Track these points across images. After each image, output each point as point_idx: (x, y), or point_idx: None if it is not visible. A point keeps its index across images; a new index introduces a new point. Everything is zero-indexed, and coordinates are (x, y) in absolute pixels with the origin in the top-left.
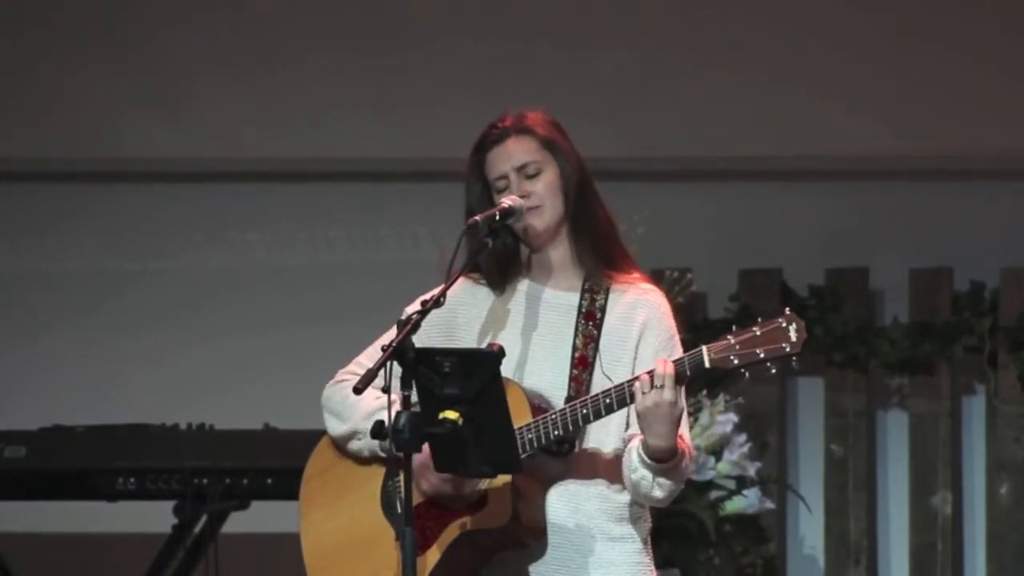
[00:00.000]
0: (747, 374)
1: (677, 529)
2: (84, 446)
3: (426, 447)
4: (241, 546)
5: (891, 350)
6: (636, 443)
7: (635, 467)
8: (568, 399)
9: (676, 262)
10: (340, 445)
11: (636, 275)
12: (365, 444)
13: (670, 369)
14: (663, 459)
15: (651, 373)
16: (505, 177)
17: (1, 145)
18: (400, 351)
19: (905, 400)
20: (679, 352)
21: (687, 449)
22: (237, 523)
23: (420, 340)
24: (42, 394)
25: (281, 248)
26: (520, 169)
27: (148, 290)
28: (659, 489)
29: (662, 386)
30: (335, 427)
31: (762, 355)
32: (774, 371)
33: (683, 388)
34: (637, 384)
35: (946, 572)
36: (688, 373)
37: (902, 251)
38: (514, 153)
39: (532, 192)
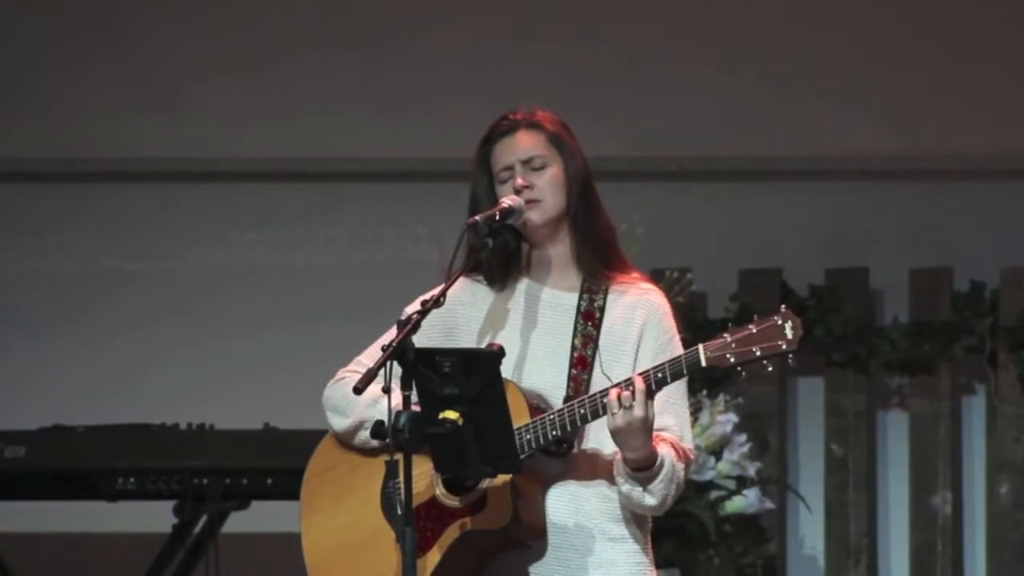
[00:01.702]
0: (744, 372)
1: (677, 529)
2: (84, 446)
3: None
4: (241, 546)
5: (891, 350)
6: (619, 458)
7: (622, 481)
8: (567, 399)
9: (676, 262)
10: (346, 440)
11: (635, 275)
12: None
13: (640, 386)
14: (644, 468)
15: (620, 388)
16: (511, 168)
17: (1, 145)
18: (400, 351)
19: (905, 400)
20: (679, 352)
21: (669, 453)
22: (237, 523)
23: (420, 340)
24: (42, 394)
25: (281, 248)
26: (526, 162)
27: (148, 290)
28: (651, 496)
29: (630, 406)
30: (339, 423)
31: (759, 353)
32: (771, 368)
33: (685, 385)
34: (607, 400)
35: (946, 572)
36: (685, 373)
37: (902, 251)
38: (522, 145)
39: (535, 185)
